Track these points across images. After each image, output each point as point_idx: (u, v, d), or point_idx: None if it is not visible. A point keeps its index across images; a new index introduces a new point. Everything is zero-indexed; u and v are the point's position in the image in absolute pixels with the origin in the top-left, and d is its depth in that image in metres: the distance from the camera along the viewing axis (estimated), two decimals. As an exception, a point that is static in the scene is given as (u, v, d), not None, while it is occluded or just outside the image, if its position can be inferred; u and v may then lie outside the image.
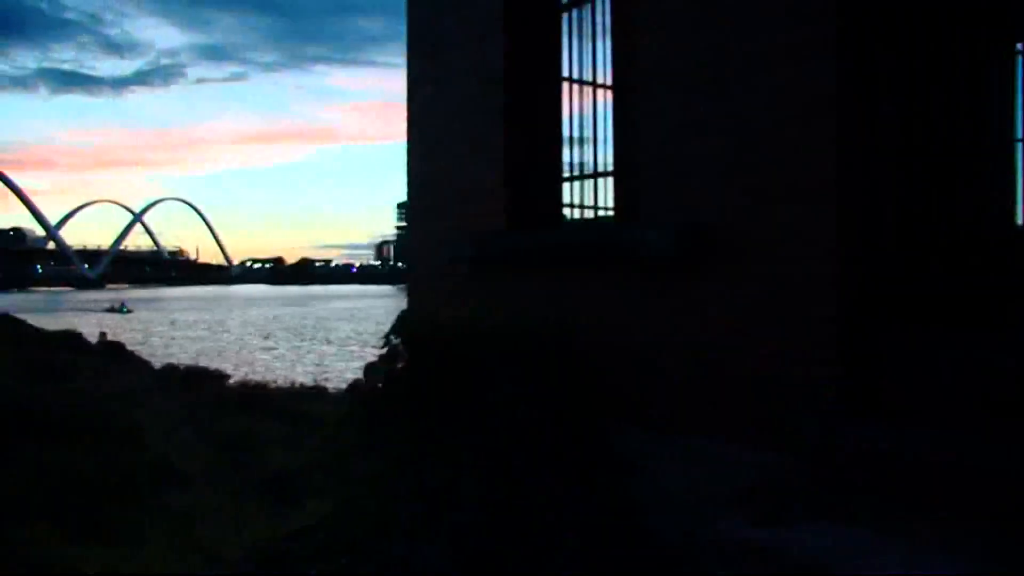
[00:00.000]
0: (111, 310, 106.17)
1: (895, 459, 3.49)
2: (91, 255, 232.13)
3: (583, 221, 5.94)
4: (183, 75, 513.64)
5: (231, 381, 26.54)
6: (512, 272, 5.61)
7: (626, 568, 4.18)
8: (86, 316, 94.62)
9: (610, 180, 5.79)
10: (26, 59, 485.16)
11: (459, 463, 4.15)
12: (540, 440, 4.30)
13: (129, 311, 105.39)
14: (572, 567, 4.03)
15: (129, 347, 39.29)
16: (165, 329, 79.39)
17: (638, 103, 4.85)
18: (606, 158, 5.81)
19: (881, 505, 3.43)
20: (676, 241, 4.29)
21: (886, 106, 3.95)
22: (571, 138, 5.98)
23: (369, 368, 4.68)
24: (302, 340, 64.87)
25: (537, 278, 5.42)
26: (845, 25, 3.81)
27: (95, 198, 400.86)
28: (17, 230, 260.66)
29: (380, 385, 4.61)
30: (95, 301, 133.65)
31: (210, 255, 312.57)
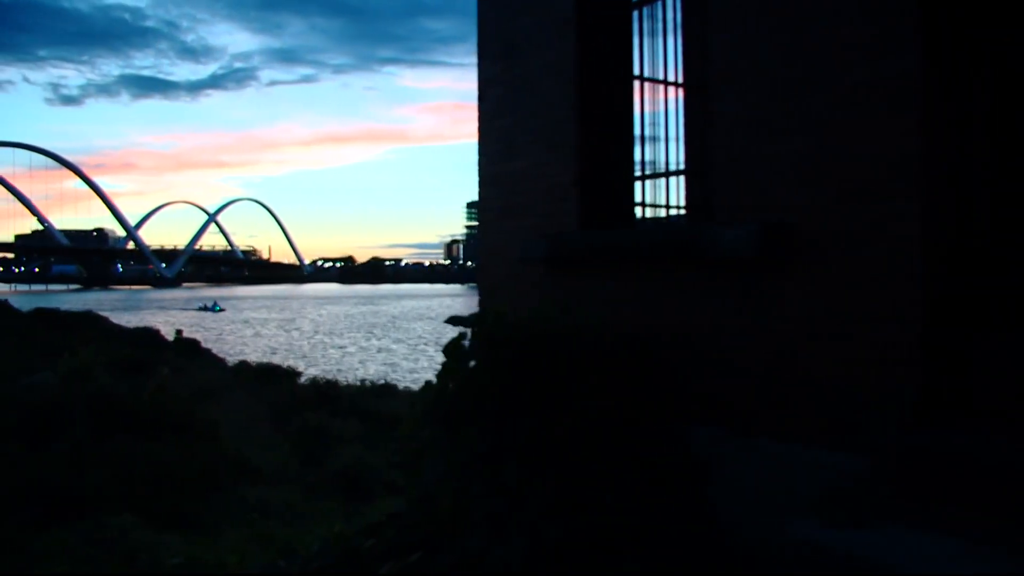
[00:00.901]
0: (204, 309, 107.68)
1: (976, 463, 3.40)
2: (168, 255, 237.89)
3: (656, 220, 5.91)
4: (256, 78, 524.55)
5: (303, 379, 27.05)
6: (586, 272, 5.61)
7: (700, 569, 4.16)
8: (180, 314, 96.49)
9: (680, 179, 5.74)
10: (110, 67, 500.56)
11: (534, 462, 4.16)
12: (615, 440, 4.29)
13: (221, 310, 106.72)
14: (647, 567, 4.02)
15: (203, 344, 40.29)
16: (238, 327, 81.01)
17: (712, 101, 4.81)
18: (677, 157, 5.77)
19: (961, 511, 3.36)
20: (755, 241, 4.24)
21: (972, 98, 3.85)
22: (643, 137, 5.95)
23: (443, 367, 4.72)
24: (373, 339, 65.64)
25: (611, 278, 5.41)
26: (927, 15, 3.73)
27: (172, 199, 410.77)
28: (100, 231, 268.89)
29: (453, 384, 4.64)
30: (188, 299, 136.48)
31: (282, 254, 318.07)
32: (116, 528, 8.05)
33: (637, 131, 5.98)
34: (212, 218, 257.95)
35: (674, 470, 4.44)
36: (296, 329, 77.83)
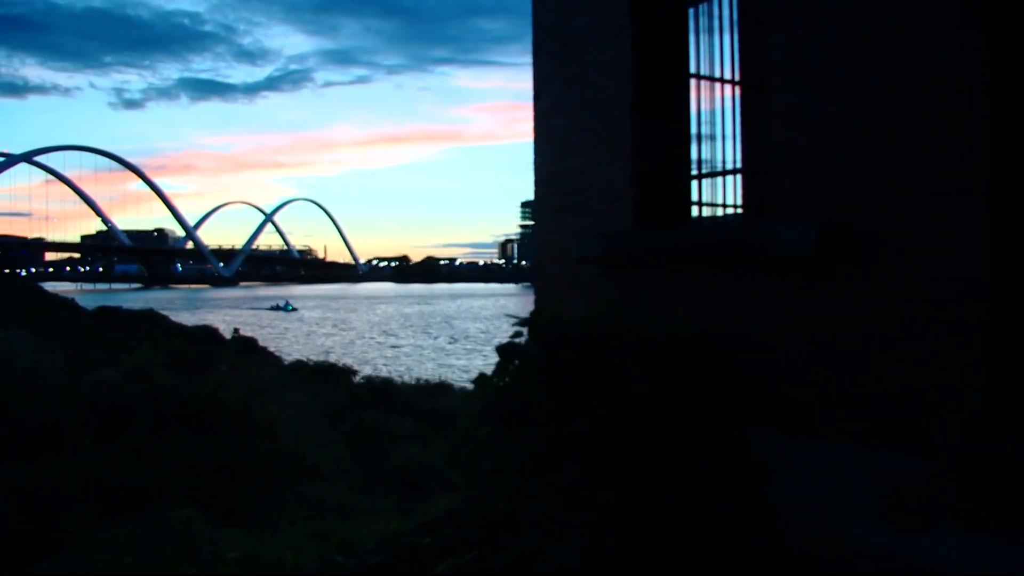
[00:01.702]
0: (276, 308, 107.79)
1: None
2: (225, 254, 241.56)
3: (713, 219, 5.86)
4: (311, 79, 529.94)
5: (359, 377, 27.32)
6: (642, 271, 5.59)
7: (759, 573, 4.12)
8: (249, 313, 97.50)
9: (735, 177, 5.69)
10: (169, 71, 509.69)
11: (591, 462, 4.16)
12: (673, 441, 4.27)
13: (294, 309, 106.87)
14: (705, 570, 3.99)
15: (260, 343, 40.84)
16: (294, 325, 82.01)
17: (769, 99, 4.75)
18: (733, 156, 5.72)
19: (1028, 517, 3.28)
20: (814, 240, 4.19)
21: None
22: (699, 135, 5.91)
23: (499, 366, 4.73)
24: (428, 338, 66.02)
25: (667, 277, 5.38)
26: (992, 7, 3.64)
27: (229, 200, 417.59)
28: (160, 231, 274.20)
29: (510, 383, 4.65)
30: (251, 298, 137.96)
31: (338, 254, 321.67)
32: (178, 522, 8.22)
33: (693, 130, 5.94)
34: (269, 218, 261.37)
35: (732, 472, 4.40)
36: (351, 328, 78.61)
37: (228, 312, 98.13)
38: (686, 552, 4.07)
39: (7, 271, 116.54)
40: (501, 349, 4.77)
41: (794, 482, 4.36)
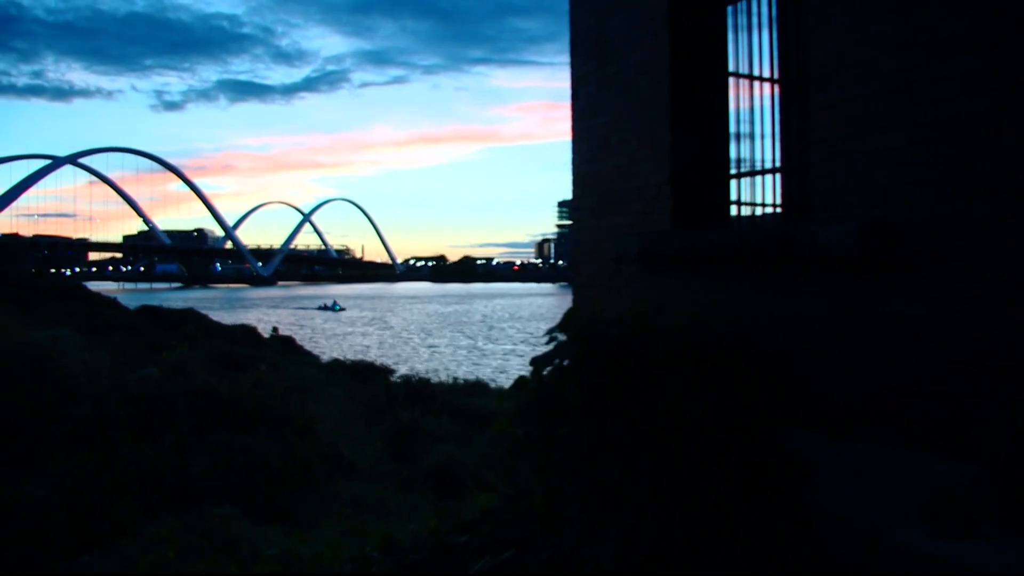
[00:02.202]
0: (324, 308, 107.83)
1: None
2: (264, 254, 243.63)
3: (752, 219, 5.82)
4: (348, 80, 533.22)
5: (396, 376, 27.45)
6: (680, 271, 5.56)
7: (797, 574, 4.09)
8: (295, 313, 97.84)
9: (773, 176, 5.64)
10: (209, 73, 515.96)
11: (629, 461, 4.15)
12: (711, 441, 4.25)
13: (342, 309, 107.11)
14: (743, 571, 3.97)
15: (297, 341, 41.17)
16: (332, 325, 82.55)
17: (811, 96, 4.71)
18: (773, 154, 5.68)
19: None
20: (856, 240, 4.14)
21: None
22: (739, 134, 5.87)
23: (536, 365, 4.73)
24: (464, 337, 66.16)
25: (706, 277, 5.35)
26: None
27: (268, 200, 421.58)
28: (200, 231, 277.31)
29: (547, 382, 4.65)
30: (299, 298, 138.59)
31: (375, 253, 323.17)
32: (218, 518, 8.32)
33: (732, 129, 5.91)
34: (307, 218, 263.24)
35: (771, 473, 4.37)
36: (388, 327, 78.99)
37: (269, 311, 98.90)
38: (724, 553, 4.05)
39: (53, 271, 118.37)
40: (536, 361, 4.76)
41: (834, 484, 4.31)
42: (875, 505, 4.09)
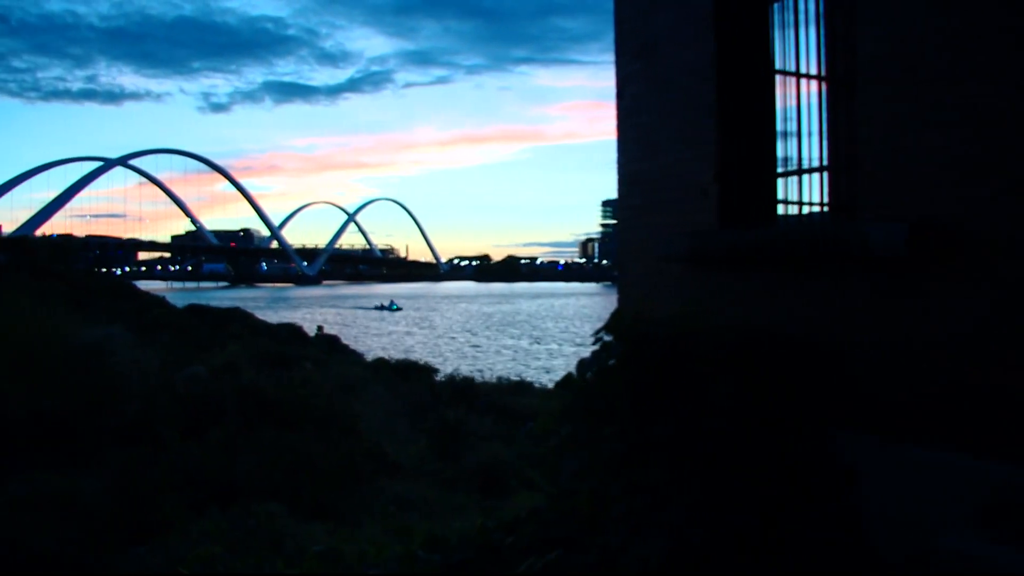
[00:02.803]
0: (381, 308, 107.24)
1: None
2: (309, 253, 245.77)
3: (799, 218, 5.76)
4: (392, 81, 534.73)
5: (440, 375, 27.56)
6: (727, 270, 5.52)
7: (846, 578, 4.04)
8: (347, 313, 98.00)
9: (820, 175, 5.57)
10: (255, 74, 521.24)
11: (676, 462, 4.13)
12: (759, 442, 4.21)
13: (398, 308, 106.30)
14: (789, 572, 3.93)
15: (342, 340, 41.50)
16: (377, 324, 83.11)
17: (859, 93, 4.64)
18: (820, 153, 5.61)
19: None
20: (906, 239, 4.08)
21: None
22: (785, 132, 5.82)
23: (582, 365, 4.73)
24: (508, 337, 66.22)
25: (753, 277, 5.30)
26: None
27: (313, 200, 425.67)
28: (246, 231, 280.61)
29: (593, 382, 4.64)
30: (352, 297, 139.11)
31: (419, 253, 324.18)
32: (263, 515, 8.42)
33: (778, 127, 5.85)
34: (351, 218, 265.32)
35: (818, 474, 4.32)
36: (432, 326, 79.31)
37: (314, 310, 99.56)
38: (771, 554, 4.01)
39: (104, 270, 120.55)
40: (582, 362, 4.75)
41: (884, 487, 4.25)
42: (926, 509, 4.02)
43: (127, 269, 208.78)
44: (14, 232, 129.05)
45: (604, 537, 4.20)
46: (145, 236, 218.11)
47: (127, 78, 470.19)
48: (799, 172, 5.66)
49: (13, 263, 42.41)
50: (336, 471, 11.26)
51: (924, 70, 4.20)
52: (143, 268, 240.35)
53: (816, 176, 5.64)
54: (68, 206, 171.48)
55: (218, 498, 9.39)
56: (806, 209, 5.75)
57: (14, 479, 8.28)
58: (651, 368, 4.36)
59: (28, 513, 7.22)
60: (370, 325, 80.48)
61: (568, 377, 4.89)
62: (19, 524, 6.80)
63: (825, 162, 5.57)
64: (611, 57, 6.97)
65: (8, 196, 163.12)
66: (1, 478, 8.22)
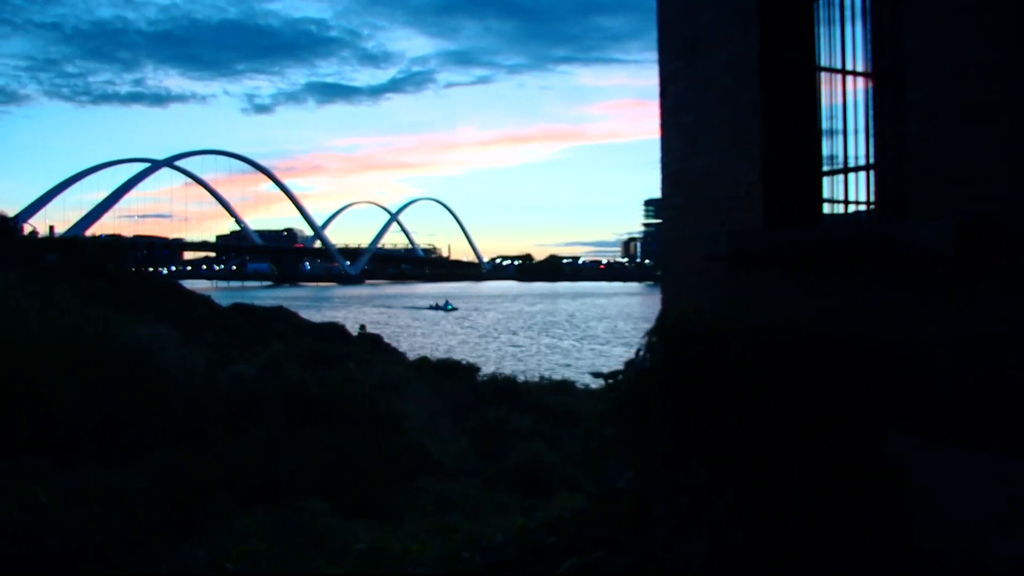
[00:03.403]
0: (435, 308, 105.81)
1: None
2: (352, 253, 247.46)
3: (844, 217, 5.69)
4: (433, 81, 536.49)
5: (482, 374, 27.60)
6: (771, 269, 5.47)
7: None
8: (391, 312, 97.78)
9: (867, 173, 5.49)
10: (297, 76, 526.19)
11: (719, 463, 4.10)
12: (803, 443, 4.17)
13: (454, 308, 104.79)
14: (835, 574, 3.88)
15: (384, 339, 41.74)
16: (418, 323, 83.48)
17: (907, 89, 4.57)
18: (867, 150, 5.53)
19: None
20: (954, 237, 4.01)
21: None
22: (831, 130, 5.74)
23: (627, 365, 4.71)
24: (550, 336, 66.16)
25: (798, 276, 5.24)
26: None
27: (356, 200, 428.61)
28: (289, 231, 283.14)
29: (636, 383, 4.62)
30: (395, 297, 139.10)
31: (461, 252, 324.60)
32: (308, 513, 8.49)
33: (823, 125, 5.78)
34: (394, 217, 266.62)
35: (865, 476, 4.26)
36: (475, 326, 79.47)
37: (362, 310, 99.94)
38: (815, 556, 3.97)
39: (151, 270, 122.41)
40: (628, 363, 4.74)
41: (934, 491, 4.18)
42: (977, 514, 3.95)
43: (173, 268, 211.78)
44: (66, 232, 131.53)
45: (646, 538, 4.18)
46: (191, 236, 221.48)
47: (173, 81, 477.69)
48: (844, 171, 5.59)
49: (65, 263, 43.21)
50: (379, 469, 11.32)
51: (974, 63, 4.12)
52: (189, 268, 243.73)
53: (861, 174, 5.57)
54: (117, 207, 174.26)
55: (262, 495, 9.48)
56: (852, 208, 5.69)
57: (62, 474, 8.44)
58: (694, 368, 4.33)
59: (76, 507, 7.36)
60: (412, 324, 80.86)
61: (612, 379, 4.88)
62: (69, 518, 6.93)
63: (870, 160, 5.50)
64: (653, 56, 6.95)
65: (61, 197, 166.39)
66: (51, 473, 8.38)
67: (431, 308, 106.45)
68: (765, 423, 4.14)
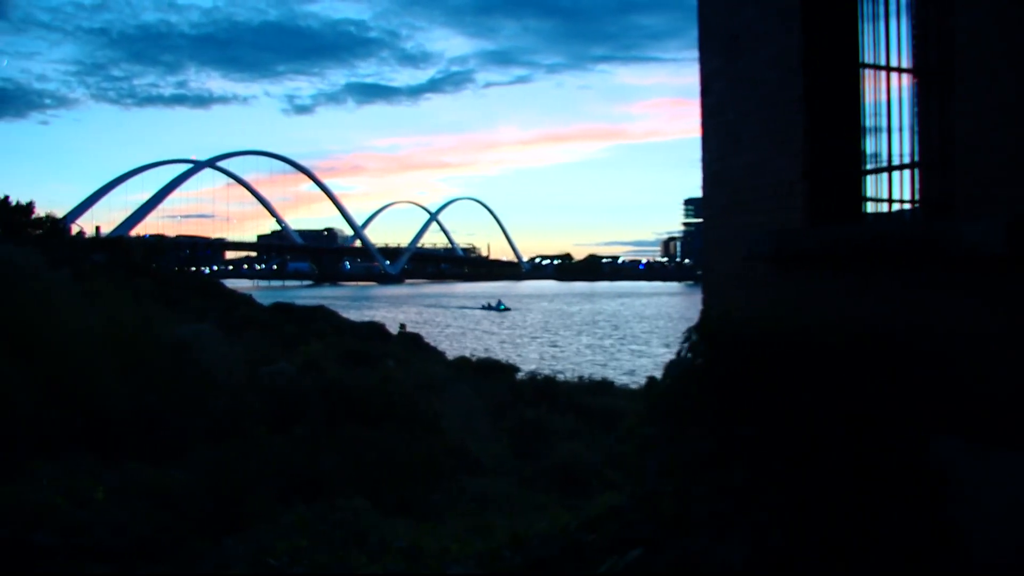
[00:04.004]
0: (488, 308, 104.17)
1: None
2: (391, 252, 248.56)
3: (888, 215, 5.62)
4: (472, 80, 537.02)
5: (521, 374, 27.62)
6: (814, 269, 5.41)
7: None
8: (430, 312, 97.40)
9: (912, 171, 5.42)
10: (337, 77, 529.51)
11: (760, 464, 4.07)
12: (846, 445, 4.13)
13: (507, 309, 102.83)
14: (879, 579, 3.84)
15: (424, 338, 41.90)
16: (456, 321, 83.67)
17: (955, 85, 4.50)
18: (911, 148, 5.46)
19: None
20: (1005, 236, 3.93)
21: None
22: (874, 128, 5.68)
23: (669, 365, 4.69)
24: (592, 336, 66.00)
25: (842, 276, 5.18)
26: None
27: (395, 200, 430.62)
28: (330, 230, 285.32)
29: (678, 382, 4.60)
30: (433, 296, 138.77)
31: (501, 251, 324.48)
32: (347, 510, 8.56)
33: (867, 123, 5.71)
34: (433, 217, 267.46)
35: (910, 479, 4.20)
36: (514, 325, 79.49)
37: (405, 309, 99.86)
38: (858, 559, 3.92)
39: (194, 269, 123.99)
40: (669, 363, 4.72)
41: (981, 495, 4.11)
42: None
43: (215, 268, 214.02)
44: (111, 232, 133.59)
45: (687, 538, 4.16)
46: (232, 236, 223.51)
47: (215, 82, 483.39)
48: (888, 169, 5.52)
49: (111, 262, 43.95)
50: (418, 467, 11.39)
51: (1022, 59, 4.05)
52: (230, 267, 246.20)
53: (904, 172, 5.50)
54: (160, 207, 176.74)
55: (303, 492, 9.58)
56: (895, 207, 5.62)
57: (109, 470, 8.60)
58: (736, 368, 4.30)
59: (124, 503, 7.49)
60: (451, 323, 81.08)
61: (653, 379, 4.87)
62: (118, 513, 7.06)
63: (914, 158, 5.43)
64: (692, 53, 6.92)
65: (107, 198, 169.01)
66: (99, 469, 8.54)
67: (483, 308, 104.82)
68: (808, 424, 4.11)
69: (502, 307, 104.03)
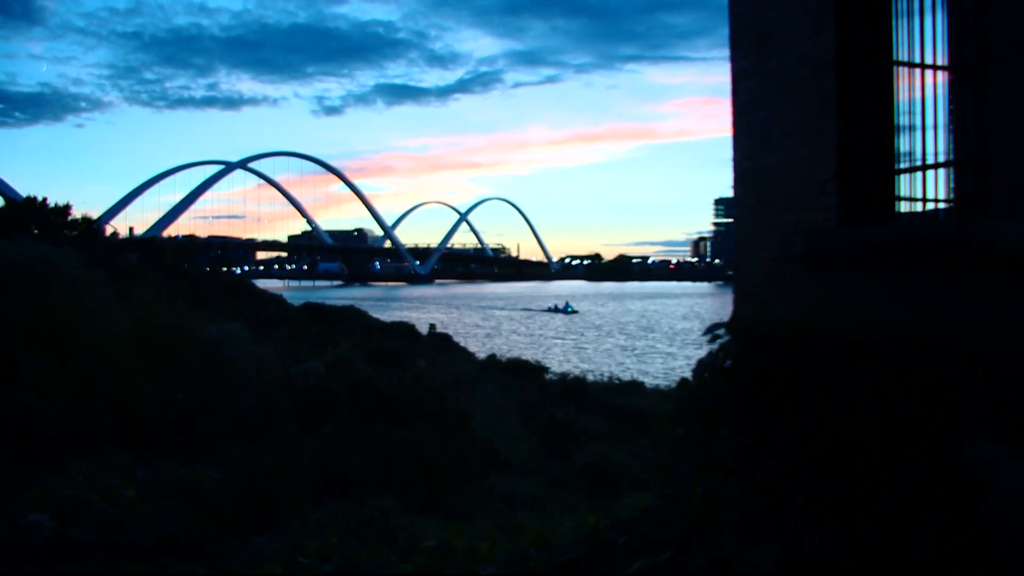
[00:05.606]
0: (554, 310, 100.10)
1: None
2: (421, 252, 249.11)
3: (922, 215, 5.55)
4: (501, 81, 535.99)
5: (550, 374, 27.62)
6: (846, 269, 5.36)
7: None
8: (456, 313, 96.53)
9: (946, 170, 5.35)
10: (366, 78, 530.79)
11: (792, 465, 4.03)
12: (879, 446, 4.08)
13: (574, 311, 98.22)
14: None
15: (453, 338, 41.98)
16: (491, 322, 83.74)
17: (992, 82, 4.44)
18: (947, 147, 5.40)
19: None
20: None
21: None
22: (908, 126, 5.61)
23: (698, 364, 4.66)
24: (620, 336, 65.81)
25: (874, 276, 5.13)
26: None
27: (425, 200, 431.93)
28: (360, 231, 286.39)
29: (708, 383, 4.57)
30: (463, 297, 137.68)
31: (530, 252, 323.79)
32: (377, 508, 8.60)
33: (901, 121, 5.65)
34: (463, 217, 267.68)
35: (945, 482, 4.14)
36: (544, 326, 79.42)
37: (444, 310, 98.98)
38: (890, 563, 3.88)
39: (225, 269, 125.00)
40: (699, 363, 4.68)
41: (1016, 496, 4.05)
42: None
43: (246, 268, 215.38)
44: (145, 233, 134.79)
45: (717, 540, 4.13)
46: (263, 236, 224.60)
47: (245, 84, 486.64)
48: (923, 168, 5.46)
49: (144, 262, 44.41)
50: (448, 467, 11.41)
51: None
52: (261, 267, 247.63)
53: (938, 171, 5.44)
54: (192, 208, 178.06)
55: (333, 490, 9.63)
56: (929, 206, 5.55)
57: (141, 467, 8.69)
58: (767, 370, 4.26)
59: (156, 500, 7.57)
60: (480, 323, 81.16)
61: (684, 379, 4.83)
62: (150, 510, 7.13)
63: (946, 156, 5.36)
64: (721, 52, 6.91)
65: (140, 199, 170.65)
66: (131, 467, 8.63)
67: (549, 310, 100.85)
68: (840, 425, 4.06)
69: (570, 309, 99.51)
